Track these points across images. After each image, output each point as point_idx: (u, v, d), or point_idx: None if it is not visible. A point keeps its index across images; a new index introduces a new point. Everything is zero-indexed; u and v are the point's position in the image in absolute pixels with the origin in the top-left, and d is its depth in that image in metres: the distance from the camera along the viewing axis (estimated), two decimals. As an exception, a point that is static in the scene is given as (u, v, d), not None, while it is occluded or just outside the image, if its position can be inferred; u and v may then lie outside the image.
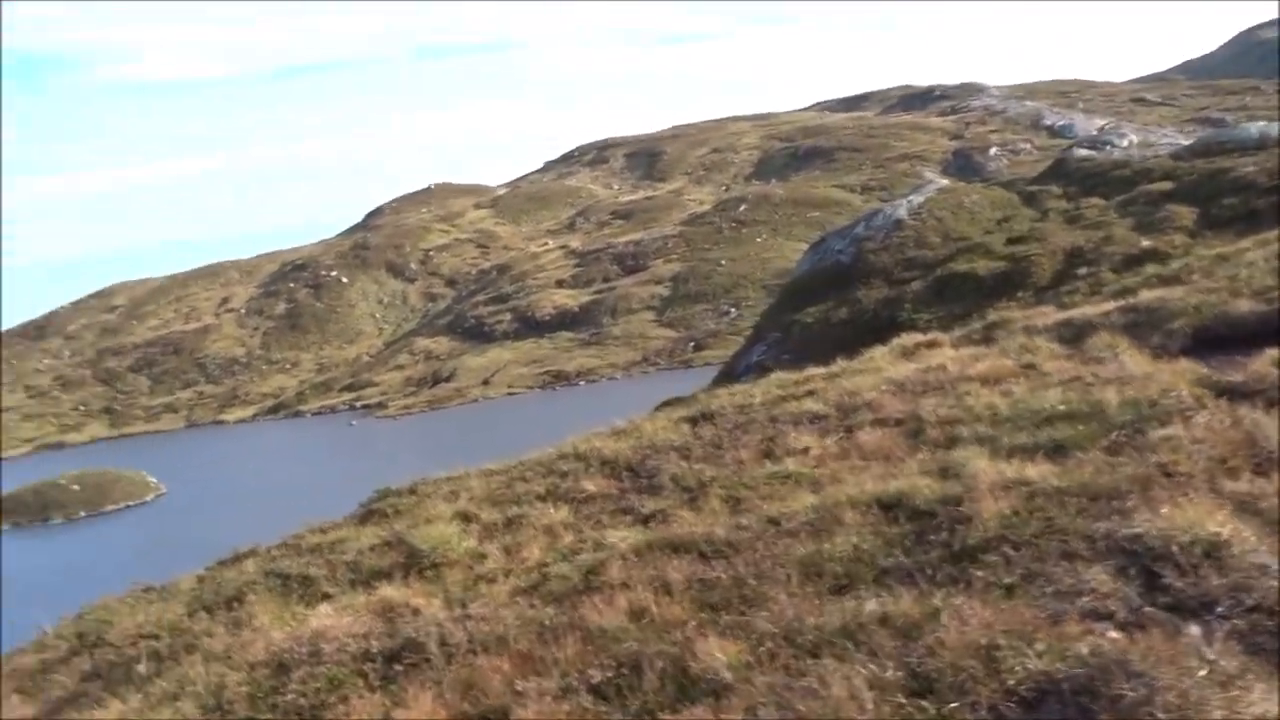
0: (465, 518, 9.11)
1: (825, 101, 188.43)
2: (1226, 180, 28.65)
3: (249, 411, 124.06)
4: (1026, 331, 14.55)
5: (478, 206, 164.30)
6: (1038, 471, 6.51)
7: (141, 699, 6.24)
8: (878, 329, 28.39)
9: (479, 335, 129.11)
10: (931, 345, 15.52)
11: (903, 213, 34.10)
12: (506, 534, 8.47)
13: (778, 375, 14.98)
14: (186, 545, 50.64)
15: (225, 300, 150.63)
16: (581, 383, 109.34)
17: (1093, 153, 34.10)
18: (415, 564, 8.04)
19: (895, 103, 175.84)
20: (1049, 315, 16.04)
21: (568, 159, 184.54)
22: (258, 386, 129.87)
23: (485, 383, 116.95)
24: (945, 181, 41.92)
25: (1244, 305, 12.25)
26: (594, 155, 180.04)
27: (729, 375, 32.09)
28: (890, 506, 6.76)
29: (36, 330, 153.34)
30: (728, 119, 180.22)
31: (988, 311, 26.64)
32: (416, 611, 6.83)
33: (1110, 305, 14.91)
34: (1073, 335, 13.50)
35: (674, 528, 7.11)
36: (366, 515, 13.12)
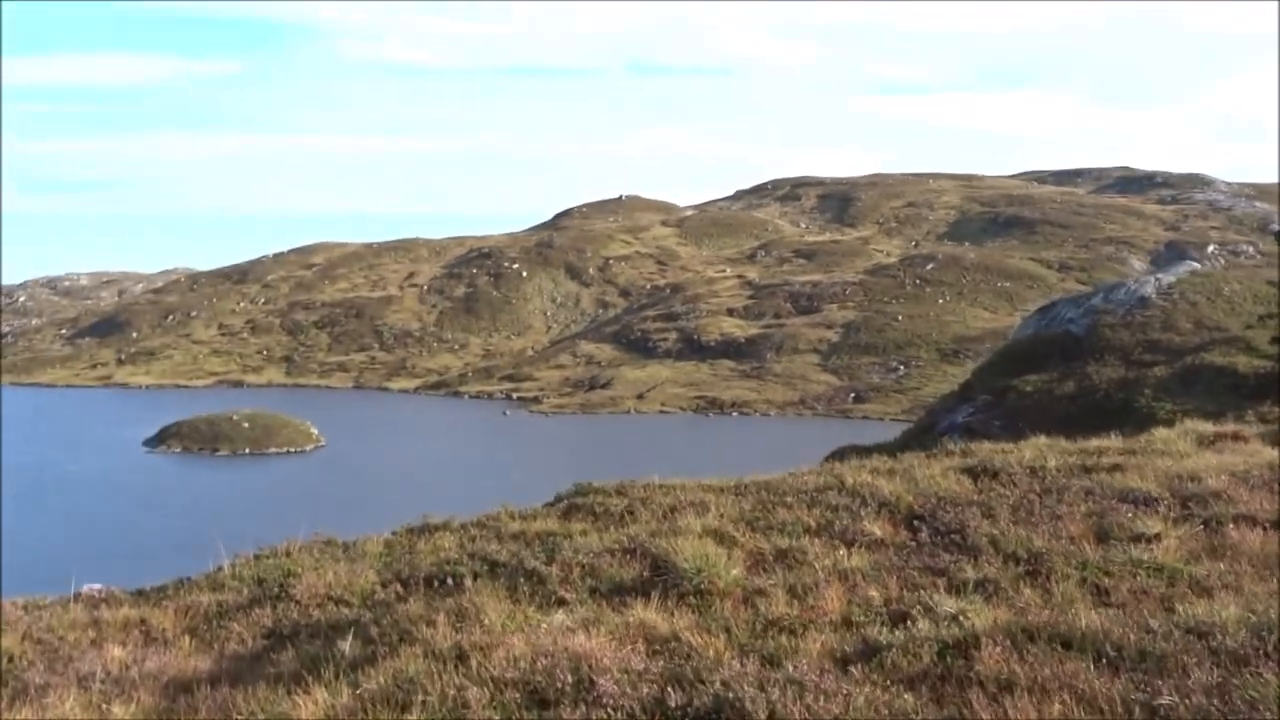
0: (719, 538, 7.56)
1: (1035, 171, 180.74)
2: None
3: (413, 384, 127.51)
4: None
5: (664, 224, 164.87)
6: None
7: (351, 694, 4.96)
8: (1109, 411, 25.62)
9: (642, 349, 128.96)
10: (1235, 437, 13.15)
11: (1149, 290, 30.98)
12: (781, 568, 6.87)
13: (1048, 441, 12.91)
14: (344, 499, 51.64)
15: (411, 275, 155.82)
16: (734, 414, 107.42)
17: (1381, 259, 30.14)
18: (671, 584, 6.54)
19: (1111, 183, 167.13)
20: (1385, 429, 13.41)
21: (759, 191, 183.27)
22: (425, 361, 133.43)
23: (640, 396, 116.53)
24: (1196, 265, 38.31)
25: None
26: (786, 191, 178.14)
27: (926, 431, 29.78)
28: (1372, 645, 4.81)
29: (239, 274, 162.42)
30: (929, 174, 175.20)
31: (1247, 412, 23.54)
32: (692, 651, 5.30)
33: None
34: None
35: (1043, 613, 5.35)
36: (569, 509, 11.81)
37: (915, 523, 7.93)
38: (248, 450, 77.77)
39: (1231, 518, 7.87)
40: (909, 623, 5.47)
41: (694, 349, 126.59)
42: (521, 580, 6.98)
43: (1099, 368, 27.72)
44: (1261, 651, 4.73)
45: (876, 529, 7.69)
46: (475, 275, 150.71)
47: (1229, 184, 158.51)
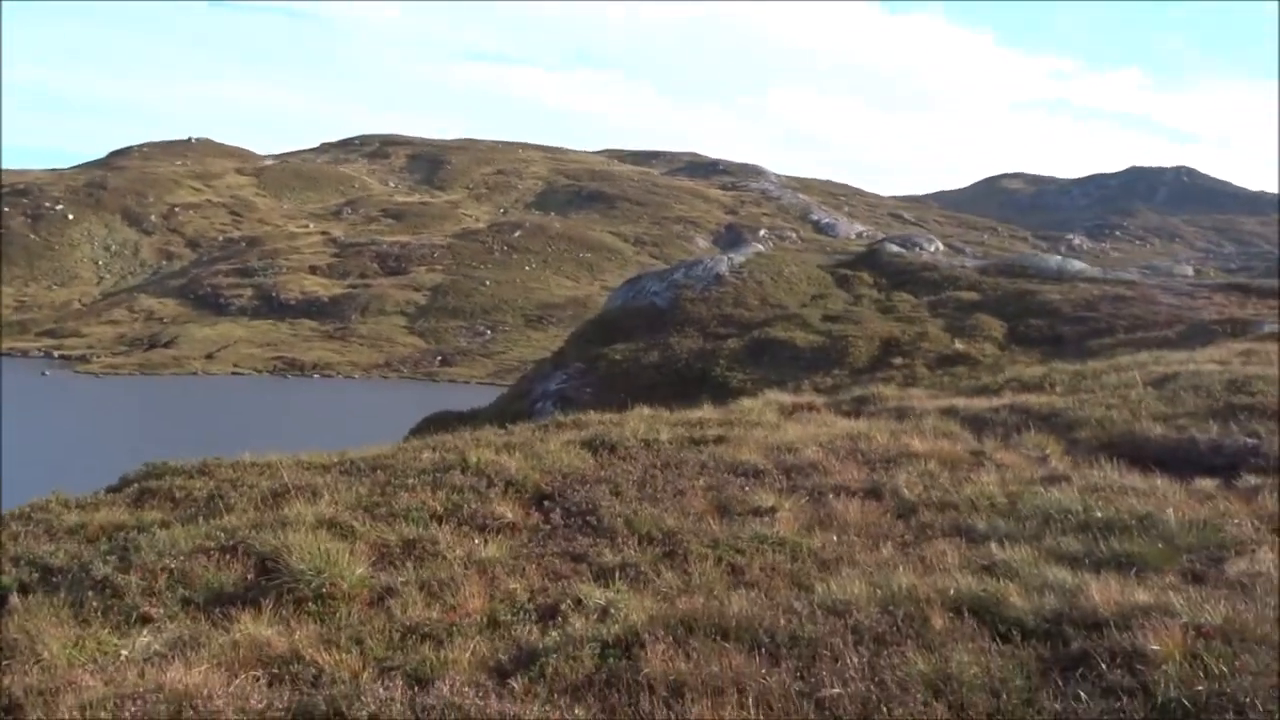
0: (337, 529, 6.75)
1: (617, 150, 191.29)
2: (1034, 302, 30.32)
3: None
4: (913, 413, 13.73)
5: (240, 172, 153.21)
6: (1180, 601, 5.15)
7: None
8: (690, 379, 27.42)
9: (212, 306, 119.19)
10: (810, 408, 14.41)
11: (724, 269, 33.72)
12: (411, 562, 6.23)
13: (651, 412, 13.30)
14: None
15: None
16: (316, 375, 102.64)
17: (902, 250, 35.28)
18: (285, 589, 5.66)
19: (681, 167, 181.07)
20: (924, 399, 15.36)
21: (346, 145, 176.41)
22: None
23: (209, 356, 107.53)
24: (760, 248, 42.21)
25: (1155, 429, 11.88)
26: (375, 148, 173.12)
27: (521, 397, 30.11)
28: (978, 612, 5.22)
29: None
30: (519, 144, 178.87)
31: (803, 382, 26.28)
32: (322, 674, 4.55)
33: (996, 401, 14.36)
34: (971, 426, 12.77)
35: (694, 600, 5.22)
36: (141, 495, 10.22)
37: (546, 503, 7.64)
38: None
39: (830, 488, 8.42)
40: (560, 619, 5.11)
41: (272, 307, 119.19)
42: (90, 593, 5.72)
43: (680, 339, 29.69)
44: (895, 628, 4.94)
45: (508, 511, 7.29)
46: (8, 215, 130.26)
47: (779, 176, 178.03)
